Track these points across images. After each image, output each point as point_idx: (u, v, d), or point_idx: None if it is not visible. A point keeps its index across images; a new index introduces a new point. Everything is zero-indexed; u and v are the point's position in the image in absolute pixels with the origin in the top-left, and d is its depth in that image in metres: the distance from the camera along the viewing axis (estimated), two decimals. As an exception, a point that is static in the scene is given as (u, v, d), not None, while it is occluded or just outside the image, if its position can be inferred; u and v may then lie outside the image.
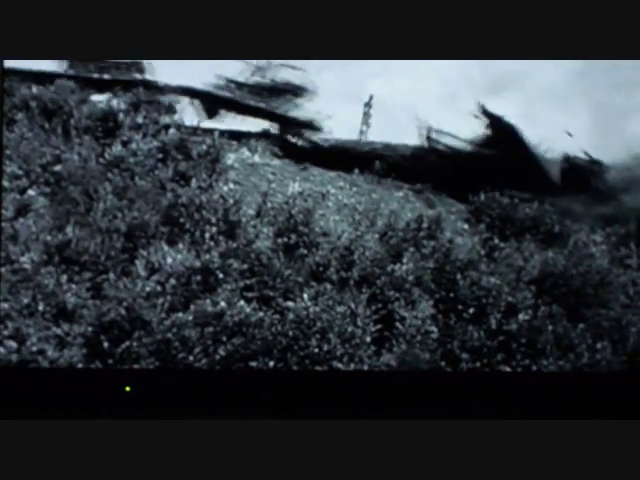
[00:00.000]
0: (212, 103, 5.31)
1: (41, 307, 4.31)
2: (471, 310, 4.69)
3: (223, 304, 4.45)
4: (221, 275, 4.57)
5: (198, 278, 4.54)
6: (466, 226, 5.19)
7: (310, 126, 5.41)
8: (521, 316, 4.67)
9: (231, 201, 4.86)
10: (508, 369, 4.58)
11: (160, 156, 5.01)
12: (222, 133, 5.15)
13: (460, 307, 4.70)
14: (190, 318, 4.38)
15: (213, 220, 4.76)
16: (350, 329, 4.52)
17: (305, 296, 4.57)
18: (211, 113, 5.35)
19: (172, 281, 4.48)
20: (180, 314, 4.38)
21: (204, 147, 5.07)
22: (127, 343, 4.27)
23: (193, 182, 4.94)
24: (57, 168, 4.82)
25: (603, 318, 4.78)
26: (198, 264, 4.57)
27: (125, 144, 5.01)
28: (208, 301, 4.46)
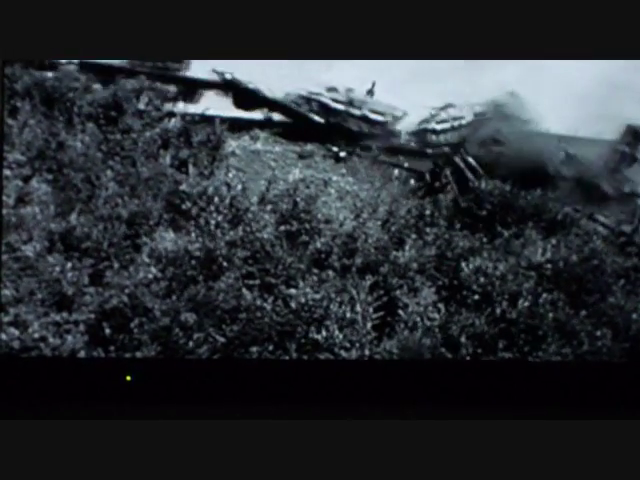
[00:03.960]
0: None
1: (44, 294, 4.34)
2: (475, 297, 4.69)
3: (224, 291, 4.48)
4: (224, 263, 4.58)
5: (198, 264, 4.56)
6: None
7: None
8: (522, 303, 4.67)
9: (235, 189, 4.87)
10: (509, 355, 4.59)
11: (160, 143, 5.02)
12: (223, 120, 5.14)
13: (463, 294, 4.71)
14: (189, 305, 4.41)
15: (214, 208, 4.77)
16: (352, 316, 4.53)
17: (307, 282, 4.58)
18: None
19: (172, 268, 4.52)
20: (179, 301, 4.41)
21: (205, 134, 5.07)
22: (129, 329, 4.31)
23: (195, 169, 4.94)
24: (59, 155, 4.84)
25: (605, 305, 4.77)
26: (199, 252, 4.59)
27: (127, 131, 5.02)
28: (208, 287, 4.48)
